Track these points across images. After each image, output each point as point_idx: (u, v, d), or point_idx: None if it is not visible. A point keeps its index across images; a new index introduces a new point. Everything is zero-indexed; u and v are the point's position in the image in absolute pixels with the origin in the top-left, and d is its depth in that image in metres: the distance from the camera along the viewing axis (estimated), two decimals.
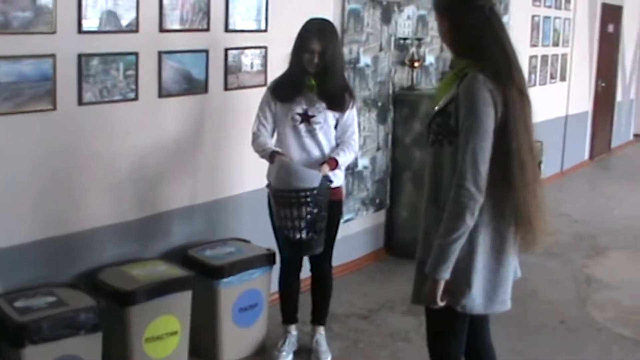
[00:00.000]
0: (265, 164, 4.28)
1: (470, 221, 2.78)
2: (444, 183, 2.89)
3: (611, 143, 12.48)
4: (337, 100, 4.22)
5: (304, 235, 3.95)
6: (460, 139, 2.80)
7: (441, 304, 2.87)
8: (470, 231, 2.81)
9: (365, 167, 5.98)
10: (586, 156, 11.41)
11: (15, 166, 3.65)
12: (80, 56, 3.81)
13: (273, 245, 4.48)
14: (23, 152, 3.66)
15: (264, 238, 4.60)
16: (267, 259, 4.48)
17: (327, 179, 4.03)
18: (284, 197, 3.91)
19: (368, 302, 5.42)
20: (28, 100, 3.62)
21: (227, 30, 4.60)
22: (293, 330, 4.57)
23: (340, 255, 5.51)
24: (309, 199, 3.88)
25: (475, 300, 2.90)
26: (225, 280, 4.25)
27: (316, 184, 3.92)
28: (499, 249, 2.92)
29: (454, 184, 2.79)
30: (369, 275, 5.94)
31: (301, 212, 3.89)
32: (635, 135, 13.99)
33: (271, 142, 4.24)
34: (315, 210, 3.93)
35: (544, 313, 5.37)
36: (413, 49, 6.34)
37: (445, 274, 2.82)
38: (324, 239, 4.10)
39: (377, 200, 6.20)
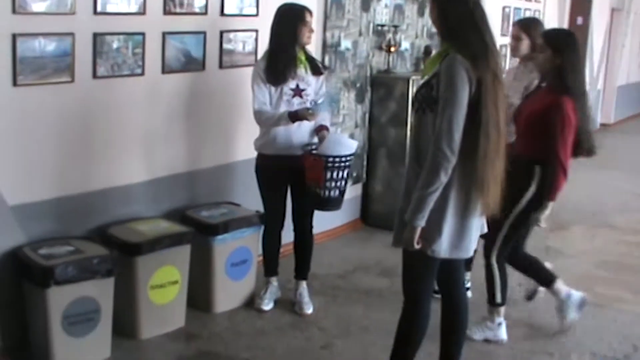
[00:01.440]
0: (252, 135, 4.84)
1: (444, 178, 3.32)
2: (425, 144, 3.41)
3: None
4: (317, 64, 4.88)
5: (339, 192, 4.62)
6: (439, 108, 3.33)
7: (417, 247, 3.42)
8: (443, 188, 3.35)
9: None
10: None
11: (39, 131, 4.14)
12: (95, 35, 4.29)
13: (261, 209, 5.01)
14: (46, 119, 4.16)
15: (252, 202, 5.14)
16: (257, 220, 4.99)
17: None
18: (336, 162, 4.49)
19: (345, 264, 5.96)
20: (50, 73, 4.10)
21: (222, 14, 5.10)
22: (274, 281, 5.11)
23: (321, 224, 6.04)
24: (351, 161, 4.60)
25: (442, 245, 3.45)
26: (219, 237, 4.76)
27: (354, 149, 4.60)
28: (466, 205, 3.45)
29: (432, 145, 3.32)
30: (347, 242, 6.47)
31: (344, 173, 4.56)
32: (602, 125, 14.55)
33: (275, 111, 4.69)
34: (349, 170, 4.64)
35: None
36: (390, 35, 6.85)
37: (421, 222, 3.37)
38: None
39: (355, 174, 6.72)
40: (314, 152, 4.59)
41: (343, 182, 4.61)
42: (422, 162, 3.41)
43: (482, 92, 3.33)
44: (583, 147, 4.51)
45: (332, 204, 4.69)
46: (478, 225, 3.60)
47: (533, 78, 4.86)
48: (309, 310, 5.03)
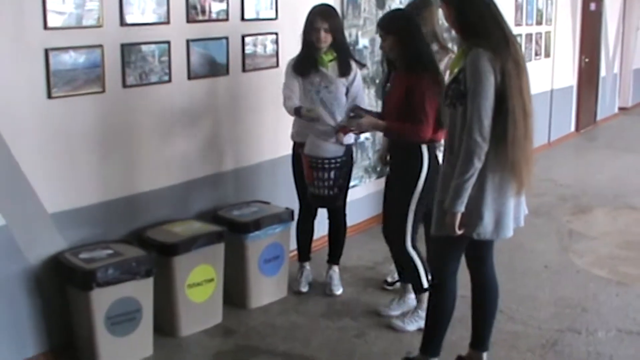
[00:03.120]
0: (282, 133, 5.02)
1: (477, 164, 3.52)
2: (457, 136, 3.62)
3: (596, 115, 13.01)
4: (346, 66, 5.00)
5: (330, 192, 4.84)
6: (468, 100, 3.53)
7: (459, 232, 3.62)
8: (479, 175, 3.55)
9: (367, 139, 6.63)
10: (572, 128, 11.99)
11: (74, 141, 4.30)
12: (123, 46, 4.46)
13: (290, 206, 5.21)
14: (80, 128, 4.32)
15: (281, 199, 5.32)
16: (287, 216, 5.15)
17: (348, 146, 4.91)
18: (319, 163, 4.77)
19: (374, 256, 6.09)
20: (82, 84, 4.27)
21: (243, 19, 5.24)
22: (307, 266, 5.41)
23: (348, 218, 6.18)
24: (338, 165, 4.78)
25: (487, 228, 3.66)
26: (251, 234, 4.91)
27: (341, 153, 4.80)
28: (502, 187, 3.65)
29: (464, 135, 3.53)
30: (374, 234, 6.55)
31: (330, 174, 4.77)
32: (621, 108, 14.57)
33: (297, 101, 4.96)
34: (340, 173, 4.81)
35: (529, 260, 6.06)
36: None
37: (461, 208, 3.58)
38: (344, 194, 5.02)
39: (378, 168, 6.86)
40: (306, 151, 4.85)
41: (331, 183, 4.82)
42: (456, 153, 3.61)
43: (506, 81, 3.51)
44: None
45: (321, 202, 4.98)
46: (517, 205, 3.78)
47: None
48: (338, 291, 5.31)
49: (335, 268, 5.40)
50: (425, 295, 4.55)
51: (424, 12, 5.18)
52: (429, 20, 5.18)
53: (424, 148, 4.49)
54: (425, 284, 4.67)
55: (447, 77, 4.68)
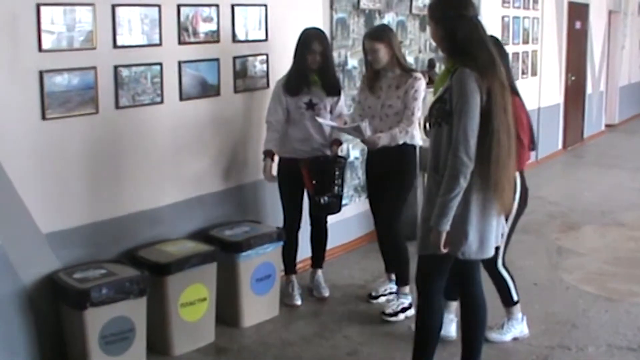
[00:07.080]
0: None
1: (463, 182, 3.54)
2: (442, 154, 3.64)
3: (583, 133, 13.12)
4: (335, 88, 5.29)
5: (339, 190, 5.25)
6: (454, 119, 3.56)
7: (444, 250, 3.64)
8: (465, 194, 3.57)
9: (356, 158, 6.69)
10: (560, 145, 12.09)
11: (68, 161, 4.34)
12: (116, 67, 4.51)
13: (277, 224, 5.34)
14: (74, 149, 4.36)
15: (272, 219, 5.37)
16: (278, 236, 5.18)
17: (343, 157, 5.33)
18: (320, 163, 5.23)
19: (364, 275, 6.13)
20: (76, 106, 4.32)
21: (234, 41, 5.31)
22: (294, 278, 5.56)
23: (339, 237, 6.28)
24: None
25: (472, 247, 3.69)
26: (244, 254, 4.94)
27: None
28: (486, 207, 3.68)
29: (450, 154, 3.55)
30: (364, 253, 6.63)
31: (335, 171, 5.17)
32: (607, 126, 14.69)
33: (273, 138, 5.25)
34: (340, 172, 5.19)
35: (519, 277, 5.97)
36: None
37: (446, 226, 3.59)
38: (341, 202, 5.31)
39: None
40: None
41: (339, 181, 5.23)
42: (441, 171, 3.63)
43: (492, 101, 3.55)
44: None
45: (328, 209, 5.31)
46: (497, 224, 3.81)
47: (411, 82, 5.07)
48: (326, 293, 5.56)
49: (319, 272, 5.67)
50: (516, 308, 4.90)
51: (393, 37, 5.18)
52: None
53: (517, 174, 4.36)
54: (515, 297, 4.88)
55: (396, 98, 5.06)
